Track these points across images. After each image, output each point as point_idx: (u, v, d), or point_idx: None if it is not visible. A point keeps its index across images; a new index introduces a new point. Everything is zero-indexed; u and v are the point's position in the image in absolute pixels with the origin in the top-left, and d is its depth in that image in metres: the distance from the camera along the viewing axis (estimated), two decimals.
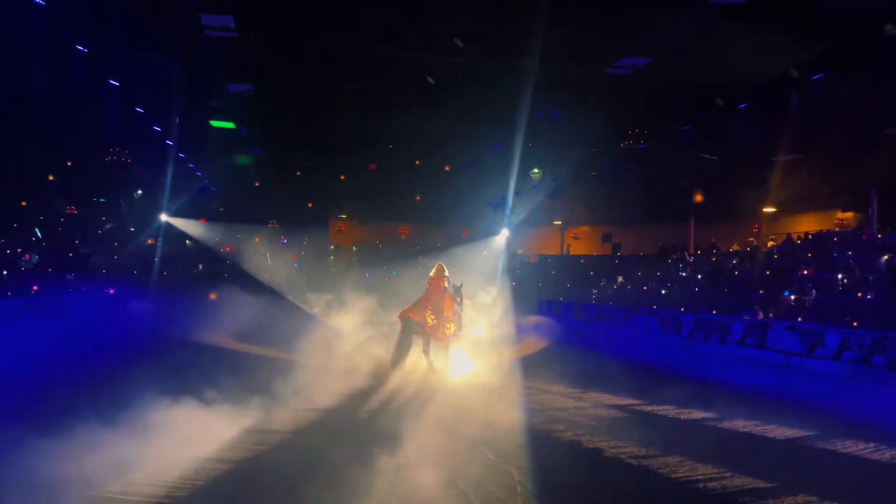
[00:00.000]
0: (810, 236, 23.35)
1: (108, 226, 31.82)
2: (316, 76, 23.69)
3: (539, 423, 7.74)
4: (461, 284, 11.58)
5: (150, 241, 29.46)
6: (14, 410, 7.17)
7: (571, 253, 35.49)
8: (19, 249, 23.30)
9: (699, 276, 23.49)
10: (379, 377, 10.18)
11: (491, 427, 7.34)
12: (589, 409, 8.84)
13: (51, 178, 30.26)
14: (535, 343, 14.95)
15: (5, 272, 21.06)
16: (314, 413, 7.83)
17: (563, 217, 35.60)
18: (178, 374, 9.20)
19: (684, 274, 24.79)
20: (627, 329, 21.02)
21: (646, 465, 6.16)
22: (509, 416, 8.08)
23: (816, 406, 9.42)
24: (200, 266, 32.22)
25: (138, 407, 6.86)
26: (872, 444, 7.14)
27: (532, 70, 19.76)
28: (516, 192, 29.62)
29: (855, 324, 13.78)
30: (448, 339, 10.77)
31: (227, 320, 15.15)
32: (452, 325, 10.77)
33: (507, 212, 29.72)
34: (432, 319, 10.47)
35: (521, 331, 16.69)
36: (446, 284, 11.03)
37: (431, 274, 11.15)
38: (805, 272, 19.09)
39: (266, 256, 25.25)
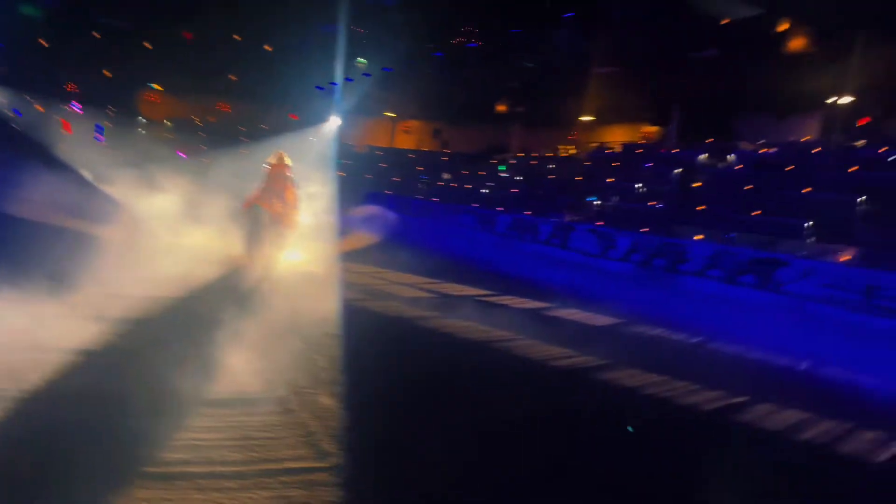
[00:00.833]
0: (620, 147, 25.52)
1: None
2: None
3: (354, 311, 7.97)
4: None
5: None
6: None
7: (401, 146, 35.56)
8: None
9: (518, 178, 24.85)
10: (227, 269, 9.72)
11: (305, 314, 7.38)
12: (415, 293, 9.36)
13: None
14: (362, 238, 15.10)
15: None
16: (149, 302, 7.30)
17: (394, 109, 35.26)
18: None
19: (505, 176, 26.04)
20: (450, 225, 21.84)
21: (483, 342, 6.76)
22: (327, 304, 8.22)
23: (614, 298, 10.77)
24: None
25: None
26: (664, 329, 8.75)
27: None
28: (347, 79, 28.67)
29: (645, 229, 15.57)
30: (294, 227, 10.49)
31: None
32: (297, 213, 10.47)
33: (337, 98, 28.80)
34: (281, 207, 10.03)
35: (347, 223, 16.79)
36: (289, 173, 10.57)
37: (272, 161, 10.59)
38: (611, 180, 20.96)
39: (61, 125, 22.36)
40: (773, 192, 15.83)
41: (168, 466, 3.54)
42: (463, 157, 31.49)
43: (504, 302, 9.71)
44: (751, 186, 16.79)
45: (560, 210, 18.92)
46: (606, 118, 28.49)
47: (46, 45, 31.41)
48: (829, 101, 20.74)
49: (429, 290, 10.11)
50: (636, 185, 19.64)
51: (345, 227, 15.84)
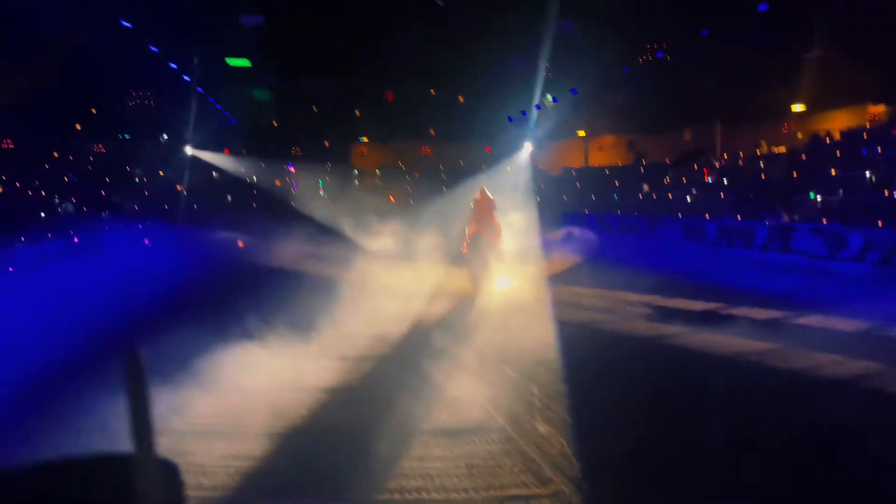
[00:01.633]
0: (838, 135, 22.97)
1: (136, 170, 32.48)
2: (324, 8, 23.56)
3: (571, 334, 8.07)
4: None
5: (178, 188, 29.95)
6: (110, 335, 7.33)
7: (595, 164, 35.26)
8: (56, 196, 24.20)
9: (724, 181, 23.44)
10: (461, 298, 10.57)
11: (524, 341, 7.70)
12: (628, 309, 9.31)
13: (78, 126, 31.44)
14: (565, 259, 15.25)
15: (43, 214, 21.95)
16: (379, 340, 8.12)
17: (585, 128, 35.16)
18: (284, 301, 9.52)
19: (710, 180, 24.71)
20: (653, 239, 21.15)
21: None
22: (543, 329, 8.48)
23: (856, 302, 9.62)
24: (228, 197, 32.81)
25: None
26: None
27: None
28: (537, 107, 29.35)
29: (880, 223, 13.86)
30: (502, 255, 11.39)
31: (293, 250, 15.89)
32: (501, 241, 11.41)
33: (529, 126, 29.60)
34: (491, 238, 11.10)
35: (548, 245, 17.09)
36: (492, 205, 11.58)
37: (476, 196, 11.66)
38: (832, 172, 18.98)
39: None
40: None
41: (406, 493, 4.01)
42: (661, 166, 30.41)
43: (733, 313, 9.22)
44: None
45: (775, 211, 17.52)
46: (821, 104, 25.82)
47: (276, 125, 36.67)
48: None
49: (642, 306, 9.93)
50: (866, 174, 17.57)
51: (546, 250, 16.13)
